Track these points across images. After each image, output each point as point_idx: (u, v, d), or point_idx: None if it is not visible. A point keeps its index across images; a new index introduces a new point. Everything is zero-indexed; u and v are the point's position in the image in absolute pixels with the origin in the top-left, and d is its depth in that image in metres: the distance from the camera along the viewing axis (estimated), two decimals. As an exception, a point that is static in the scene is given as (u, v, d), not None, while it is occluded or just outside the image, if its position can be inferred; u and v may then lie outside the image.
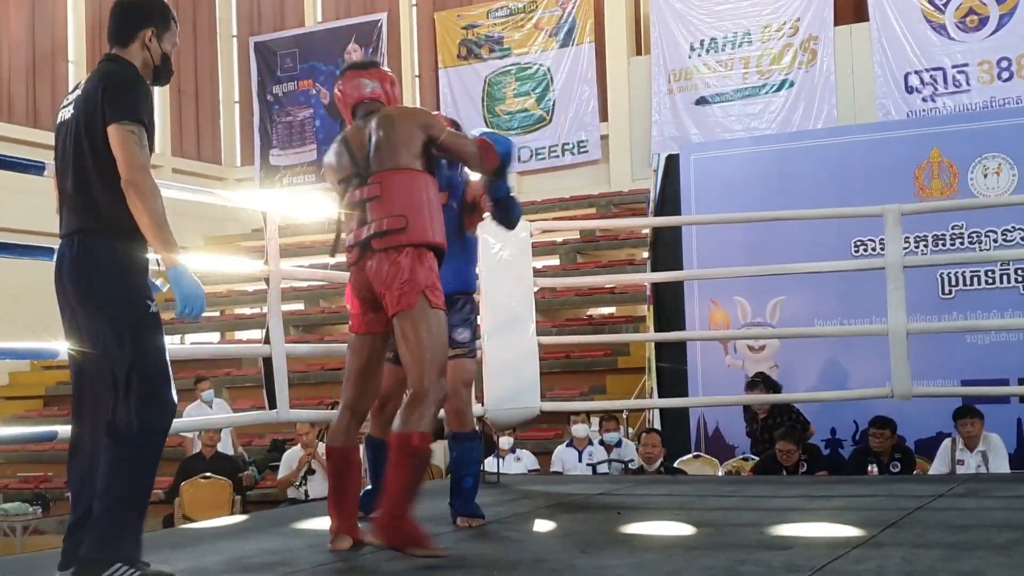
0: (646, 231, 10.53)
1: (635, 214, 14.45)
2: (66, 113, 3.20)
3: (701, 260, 8.29)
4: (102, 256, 3.06)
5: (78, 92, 3.19)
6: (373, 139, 3.68)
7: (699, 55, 16.37)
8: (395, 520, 3.36)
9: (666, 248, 8.66)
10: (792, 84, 15.67)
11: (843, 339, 7.64)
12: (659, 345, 8.64)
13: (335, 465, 3.70)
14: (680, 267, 8.32)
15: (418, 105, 18.27)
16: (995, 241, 7.71)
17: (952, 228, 7.78)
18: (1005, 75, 14.41)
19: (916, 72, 14.95)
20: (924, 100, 14.91)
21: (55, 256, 3.18)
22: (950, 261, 7.70)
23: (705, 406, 8.23)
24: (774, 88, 15.87)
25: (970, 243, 7.76)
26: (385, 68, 3.94)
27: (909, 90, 15.03)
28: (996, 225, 7.71)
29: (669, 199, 8.72)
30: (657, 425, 8.36)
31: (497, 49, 18.09)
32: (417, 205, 3.59)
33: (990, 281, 7.74)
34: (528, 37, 17.86)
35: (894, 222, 5.40)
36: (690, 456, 7.96)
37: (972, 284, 7.77)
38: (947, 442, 7.00)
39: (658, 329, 8.70)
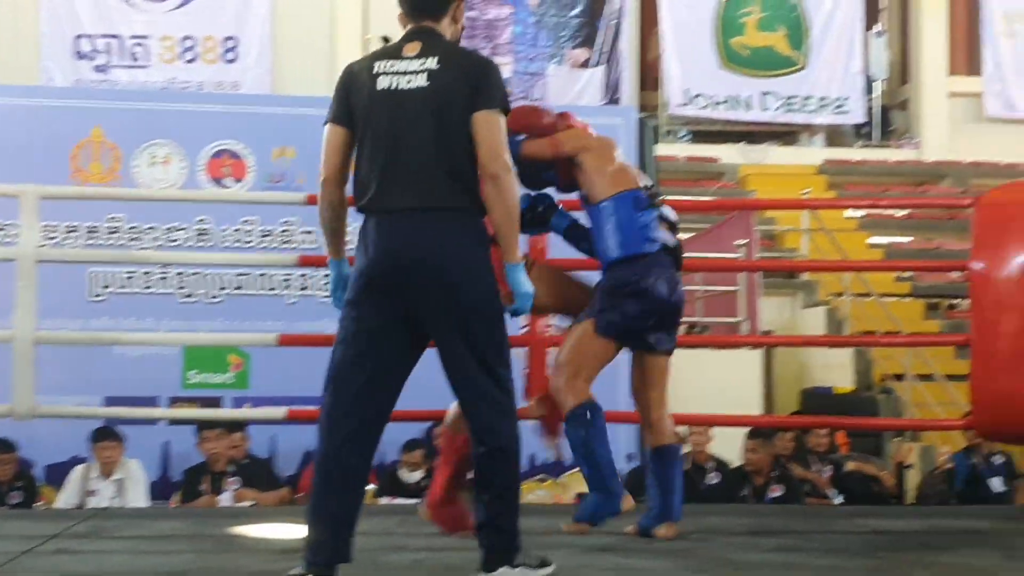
0: None
1: None
2: (401, 82, 3.49)
3: None
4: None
5: (425, 64, 3.50)
6: None
7: None
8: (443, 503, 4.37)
9: None
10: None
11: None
12: None
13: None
14: None
15: None
16: (156, 240, 7.89)
17: (109, 220, 7.80)
18: (189, 55, 15.00)
19: (89, 37, 14.95)
20: (97, 70, 14.94)
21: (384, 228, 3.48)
22: (99, 259, 7.66)
23: None
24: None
25: (130, 240, 7.85)
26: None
27: (80, 56, 14.96)
28: (160, 222, 7.89)
29: None
30: None
31: None
32: None
33: (148, 285, 7.89)
34: None
35: (31, 206, 5.29)
36: None
37: (127, 287, 7.86)
38: (79, 468, 7.01)
39: None
